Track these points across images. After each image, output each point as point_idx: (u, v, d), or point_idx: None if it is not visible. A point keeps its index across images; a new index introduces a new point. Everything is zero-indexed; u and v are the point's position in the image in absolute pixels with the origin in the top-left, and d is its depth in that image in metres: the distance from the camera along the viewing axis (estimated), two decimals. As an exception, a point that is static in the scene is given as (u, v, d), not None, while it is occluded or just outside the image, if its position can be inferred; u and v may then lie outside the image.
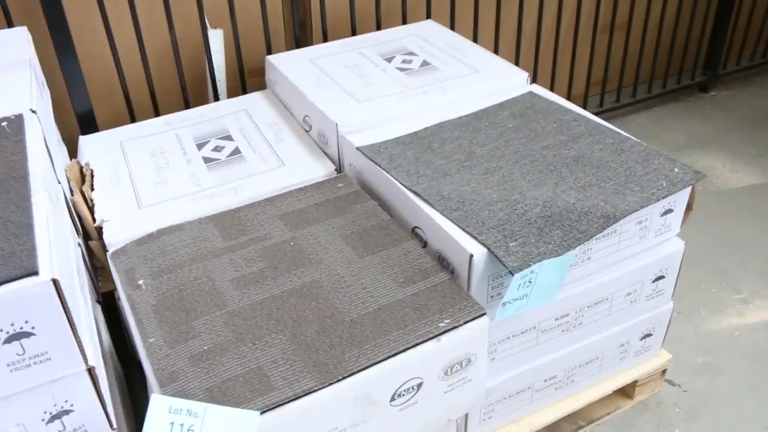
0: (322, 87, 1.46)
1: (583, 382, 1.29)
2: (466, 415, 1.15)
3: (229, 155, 1.37)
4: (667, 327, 1.35)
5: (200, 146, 1.41)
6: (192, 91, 1.67)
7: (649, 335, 1.33)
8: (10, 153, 0.97)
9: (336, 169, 1.32)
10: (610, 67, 2.24)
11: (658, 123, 2.38)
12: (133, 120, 1.60)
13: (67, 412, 0.85)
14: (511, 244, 1.01)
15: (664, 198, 1.10)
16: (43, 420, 0.84)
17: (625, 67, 2.26)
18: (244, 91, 1.69)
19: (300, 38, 1.75)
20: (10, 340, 0.76)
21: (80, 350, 0.80)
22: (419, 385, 0.94)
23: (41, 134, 1.02)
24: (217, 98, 1.64)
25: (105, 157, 1.39)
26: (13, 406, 0.81)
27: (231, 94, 1.68)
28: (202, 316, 0.95)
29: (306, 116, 1.44)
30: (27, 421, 0.83)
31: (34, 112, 1.07)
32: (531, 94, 1.41)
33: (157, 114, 1.61)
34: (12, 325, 0.75)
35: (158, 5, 1.56)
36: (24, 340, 0.77)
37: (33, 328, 0.76)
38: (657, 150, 1.21)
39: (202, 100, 1.69)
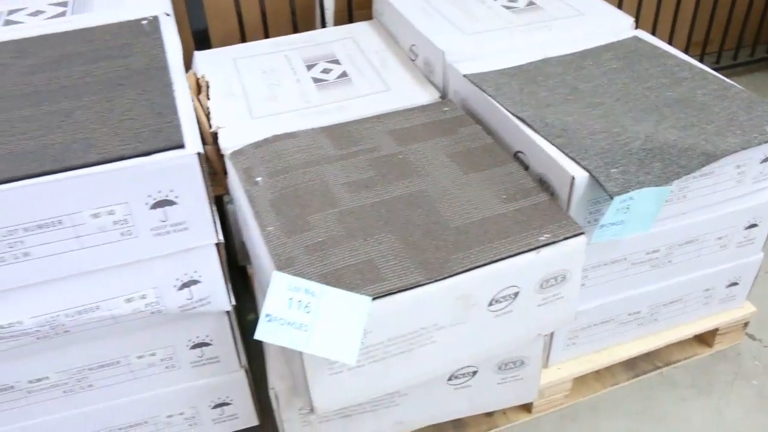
0: (429, 18, 1.49)
1: (665, 322, 1.32)
2: (552, 336, 1.20)
3: (337, 77, 1.43)
4: (755, 278, 1.36)
5: (309, 67, 1.47)
6: (300, 16, 1.73)
7: (735, 284, 1.34)
8: (150, 48, 1.04)
9: (440, 96, 1.36)
10: (713, 28, 2.21)
11: (759, 89, 2.34)
12: (243, 40, 1.67)
13: (195, 282, 0.92)
14: (612, 170, 1.04)
15: (765, 143, 1.11)
16: (174, 286, 0.91)
17: (728, 29, 2.23)
18: (350, 21, 1.73)
19: (407, -26, 1.78)
20: (156, 206, 0.84)
21: (213, 224, 0.88)
22: (516, 294, 0.98)
23: (176, 33, 1.09)
24: (323, 25, 1.69)
25: (219, 71, 1.46)
26: (151, 269, 0.89)
27: (337, 22, 1.73)
28: (317, 212, 1.01)
29: (413, 45, 1.48)
30: (161, 285, 0.91)
31: (168, 15, 1.14)
32: (636, 38, 1.42)
33: (266, 36, 1.68)
34: (159, 192, 0.83)
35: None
36: (168, 208, 0.84)
37: (176, 197, 0.84)
38: (762, 98, 1.21)
39: (309, 26, 1.75)
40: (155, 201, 0.84)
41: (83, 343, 0.97)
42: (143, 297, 0.92)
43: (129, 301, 0.92)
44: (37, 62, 1.03)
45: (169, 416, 1.08)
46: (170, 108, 0.89)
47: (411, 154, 1.14)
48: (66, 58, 1.04)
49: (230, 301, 0.97)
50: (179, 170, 0.83)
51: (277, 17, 1.72)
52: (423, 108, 1.27)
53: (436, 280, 0.92)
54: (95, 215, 0.84)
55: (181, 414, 1.09)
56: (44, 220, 0.83)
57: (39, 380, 1.00)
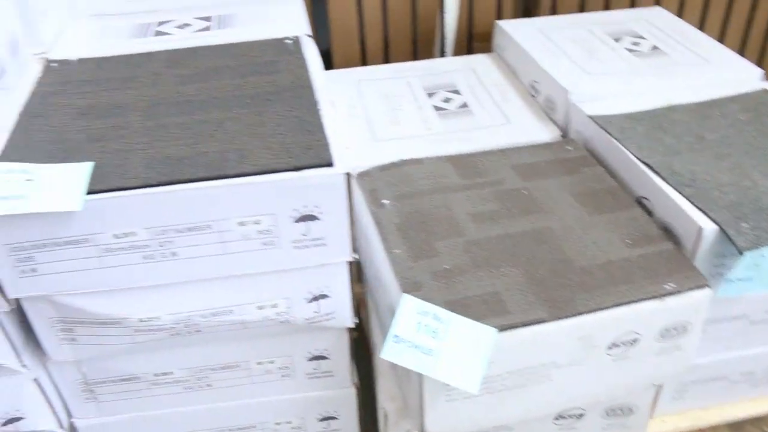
0: (552, 56, 1.50)
1: (776, 385, 1.29)
2: (661, 387, 1.18)
3: (458, 107, 1.45)
4: None
5: (430, 95, 1.50)
6: (420, 44, 1.77)
7: None
8: (295, 66, 1.09)
9: (561, 134, 1.36)
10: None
11: None
12: (363, 63, 1.71)
13: (324, 297, 0.95)
14: (742, 225, 1.02)
15: None
16: (305, 299, 0.94)
17: None
18: (469, 53, 1.76)
19: (528, 8, 1.80)
20: (300, 220, 0.87)
21: (350, 242, 0.90)
22: (635, 340, 0.98)
23: (317, 53, 1.14)
24: (442, 54, 1.72)
25: (342, 92, 1.51)
26: (286, 280, 0.92)
27: (456, 53, 1.76)
28: (443, 239, 1.03)
29: (534, 82, 1.49)
30: (293, 296, 0.94)
31: (310, 36, 1.19)
32: (765, 91, 1.40)
33: (386, 61, 1.72)
34: (305, 206, 0.86)
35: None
36: (311, 223, 0.88)
37: (320, 213, 0.87)
38: None
39: (428, 55, 1.78)
40: (300, 215, 0.87)
41: (209, 344, 1.00)
42: (274, 306, 0.95)
43: (260, 308, 0.95)
44: (188, 73, 1.09)
45: (278, 423, 1.11)
46: (318, 126, 0.93)
47: (535, 190, 1.15)
48: (215, 70, 1.09)
49: (353, 319, 0.99)
50: (327, 188, 0.86)
51: (398, 43, 1.76)
52: (546, 145, 1.28)
53: (560, 319, 0.92)
54: (242, 223, 0.87)
55: (289, 423, 1.11)
56: (194, 224, 0.87)
57: (164, 374, 1.04)
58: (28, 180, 0.85)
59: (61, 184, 0.85)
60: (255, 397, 1.08)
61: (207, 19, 1.27)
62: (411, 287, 0.97)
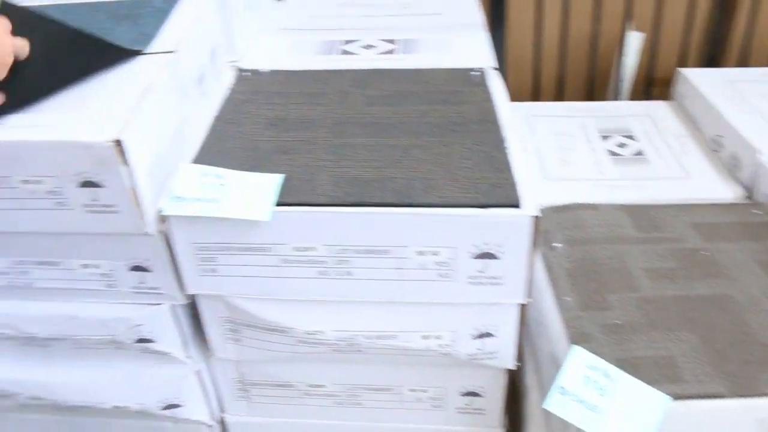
0: (740, 110, 1.42)
1: None
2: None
3: (633, 154, 1.40)
4: None
5: (604, 138, 1.45)
6: (596, 84, 1.72)
7: None
8: (481, 99, 1.08)
9: (746, 195, 1.29)
10: None
11: None
12: (535, 98, 1.68)
13: (490, 335, 0.94)
14: None
15: None
16: (470, 334, 0.93)
17: None
18: (646, 98, 1.70)
19: (713, 56, 1.72)
20: (479, 256, 0.86)
21: (526, 284, 0.88)
22: (817, 432, 0.90)
23: (502, 87, 1.12)
24: (618, 97, 1.67)
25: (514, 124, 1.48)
26: (456, 313, 0.92)
27: (632, 97, 1.70)
28: (615, 292, 0.99)
29: (717, 136, 1.42)
30: (459, 330, 0.93)
31: (496, 69, 1.17)
32: None
33: (558, 98, 1.68)
34: (486, 244, 0.85)
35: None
36: (489, 260, 0.86)
37: (501, 253, 0.85)
38: None
39: (602, 96, 1.74)
40: (480, 252, 0.85)
41: (366, 364, 1.01)
42: (439, 337, 0.94)
43: (425, 338, 0.94)
44: (374, 94, 1.10)
45: (421, 452, 1.10)
46: (506, 164, 0.91)
47: (717, 253, 1.08)
48: (402, 94, 1.09)
49: (514, 361, 0.97)
50: (511, 229, 0.84)
51: (573, 81, 1.73)
52: (729, 206, 1.21)
53: (741, 397, 0.86)
54: (420, 253, 0.87)
55: (432, 453, 1.10)
56: (373, 247, 0.87)
57: (317, 386, 1.06)
58: (221, 185, 0.88)
59: (253, 193, 0.88)
60: (402, 422, 1.08)
61: (391, 42, 1.29)
62: (579, 338, 0.93)
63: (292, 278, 0.92)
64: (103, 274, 0.95)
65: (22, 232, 0.91)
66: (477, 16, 1.42)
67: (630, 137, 1.48)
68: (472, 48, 1.28)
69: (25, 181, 0.85)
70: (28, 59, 0.88)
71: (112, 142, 0.80)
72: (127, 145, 0.81)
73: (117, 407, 1.07)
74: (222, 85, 1.15)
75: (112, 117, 0.84)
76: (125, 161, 0.81)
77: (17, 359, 1.08)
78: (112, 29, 1.04)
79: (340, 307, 0.94)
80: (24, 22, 0.89)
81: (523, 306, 0.93)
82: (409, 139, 0.98)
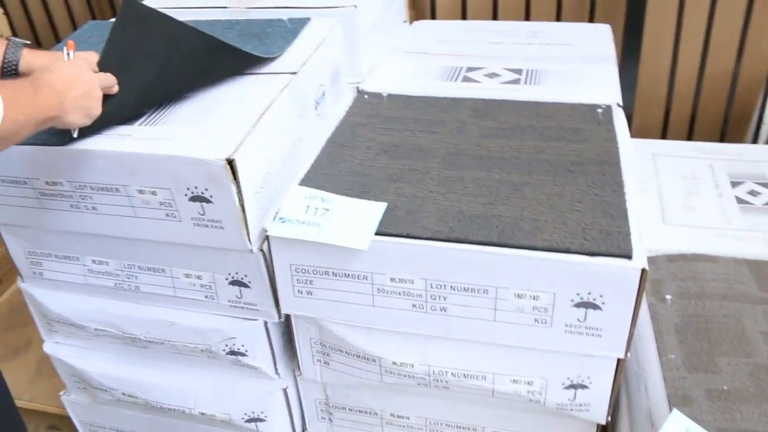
0: None
1: None
2: None
3: (765, 204, 1.30)
4: None
5: (734, 184, 1.36)
6: (732, 124, 1.63)
7: None
8: (602, 138, 1.03)
9: None
10: None
11: None
12: (663, 135, 1.61)
13: (583, 387, 0.90)
14: None
15: None
16: (562, 384, 0.90)
17: None
18: (785, 142, 1.59)
19: None
20: (580, 305, 0.82)
21: (628, 338, 0.84)
22: None
23: (626, 127, 1.07)
24: (756, 140, 1.57)
25: (636, 164, 1.41)
26: (549, 361, 0.89)
27: (770, 140, 1.60)
28: (726, 355, 0.93)
29: None
30: (550, 378, 0.90)
31: (620, 106, 1.12)
32: None
33: (689, 137, 1.60)
34: (589, 293, 0.82)
35: (732, 34, 1.53)
36: (590, 310, 0.83)
37: (603, 303, 0.82)
38: None
39: (738, 138, 1.64)
40: (581, 301, 0.82)
41: (452, 401, 0.99)
42: (529, 383, 0.91)
43: (514, 382, 0.91)
44: (491, 126, 1.07)
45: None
46: (621, 211, 0.87)
47: None
48: (519, 128, 1.06)
49: (607, 417, 0.92)
50: (618, 280, 0.80)
51: (706, 120, 1.64)
52: None
53: None
54: (519, 295, 0.84)
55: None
56: (471, 285, 0.85)
57: (399, 417, 1.04)
58: (325, 209, 0.88)
59: (355, 220, 0.87)
60: (485, 465, 1.05)
61: (517, 71, 1.26)
62: (680, 401, 0.88)
63: (385, 308, 0.90)
64: (203, 285, 0.97)
65: (133, 239, 0.94)
66: (609, 49, 1.36)
67: (764, 185, 1.38)
68: (600, 83, 1.23)
69: (141, 191, 0.88)
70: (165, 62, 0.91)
71: (225, 160, 0.81)
72: (239, 165, 0.82)
73: (203, 414, 1.09)
74: (340, 107, 1.16)
75: (227, 135, 0.85)
76: (235, 180, 0.82)
77: (117, 357, 1.12)
78: (240, 46, 1.07)
79: (432, 341, 0.92)
80: (162, 28, 0.93)
81: (621, 360, 0.88)
82: (521, 176, 0.95)
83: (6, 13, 1.76)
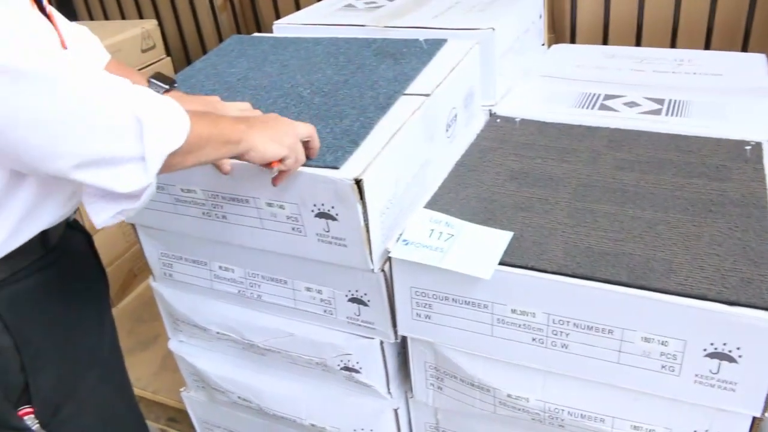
0: None
1: None
2: None
3: None
4: None
5: None
6: None
7: None
8: (749, 178, 0.97)
9: None
10: None
11: None
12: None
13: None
14: None
15: None
16: (691, 438, 0.84)
17: None
18: None
19: None
20: (713, 356, 0.78)
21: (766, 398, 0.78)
22: None
23: (776, 166, 1.00)
24: None
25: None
26: (675, 410, 0.85)
27: None
28: None
29: None
30: (676, 428, 0.84)
31: (771, 143, 1.06)
32: None
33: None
34: (725, 344, 0.77)
35: None
36: (725, 362, 0.78)
37: (740, 356, 0.76)
38: None
39: None
40: (714, 351, 0.77)
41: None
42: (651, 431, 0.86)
43: (635, 428, 0.87)
44: (627, 158, 1.03)
45: None
46: (766, 258, 0.81)
47: None
48: (657, 162, 1.02)
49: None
50: (758, 333, 0.75)
51: None
52: None
53: None
54: (646, 339, 0.80)
55: None
56: (596, 324, 0.82)
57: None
58: (450, 234, 0.87)
59: (479, 248, 0.86)
60: None
61: (659, 101, 1.21)
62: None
63: (504, 339, 0.88)
64: (323, 300, 0.98)
65: (259, 249, 0.96)
66: (763, 81, 1.28)
67: None
68: (749, 117, 1.15)
69: (269, 204, 0.90)
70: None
71: (353, 180, 0.81)
72: (366, 185, 0.82)
73: (313, 425, 1.10)
74: (472, 130, 1.15)
75: (358, 156, 0.86)
76: (362, 200, 0.83)
77: (236, 361, 1.15)
78: (375, 67, 1.08)
79: (550, 377, 0.89)
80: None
81: (758, 419, 0.82)
82: (656, 213, 0.91)
83: (159, 24, 1.85)
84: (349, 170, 0.83)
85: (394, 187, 0.90)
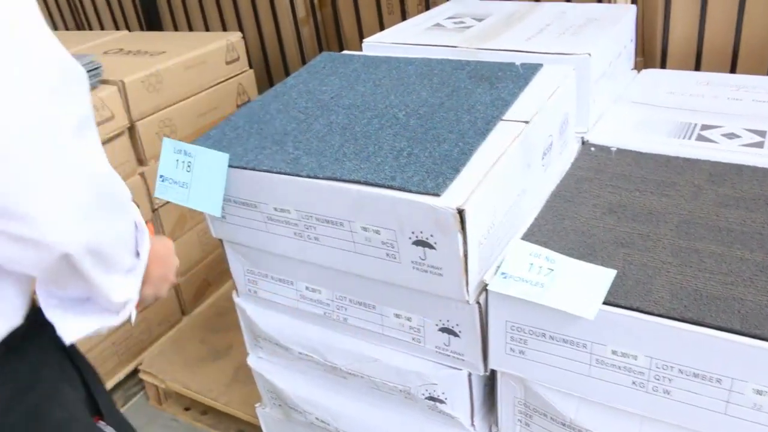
0: None
1: None
2: None
3: None
4: None
5: None
6: None
7: None
8: None
9: None
10: None
11: None
12: None
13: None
14: None
15: None
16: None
17: None
18: None
19: None
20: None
21: None
22: None
23: None
24: None
25: None
26: None
27: None
28: None
29: None
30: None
31: None
32: None
33: None
34: None
35: None
36: None
37: None
38: None
39: None
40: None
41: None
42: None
43: (738, 483, 0.82)
44: (730, 194, 0.99)
45: None
46: None
47: None
48: (763, 200, 0.97)
49: None
50: None
51: None
52: None
53: None
54: (759, 392, 0.76)
55: None
56: (703, 372, 0.78)
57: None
58: (549, 269, 0.85)
59: (581, 285, 0.83)
60: None
61: (760, 134, 1.16)
62: None
63: (602, 381, 0.85)
64: (412, 328, 0.96)
65: (349, 272, 0.95)
66: None
67: None
68: None
69: (365, 228, 0.88)
70: None
71: (456, 209, 0.79)
72: (468, 215, 0.80)
73: (393, 453, 1.08)
74: (566, 158, 1.12)
75: (458, 183, 0.84)
76: (463, 230, 0.81)
77: (316, 382, 1.14)
78: (470, 90, 1.06)
79: (648, 423, 0.86)
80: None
81: None
82: (766, 256, 0.87)
83: (243, 37, 1.86)
84: (450, 198, 0.81)
85: (492, 216, 0.88)
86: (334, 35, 2.06)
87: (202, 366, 1.60)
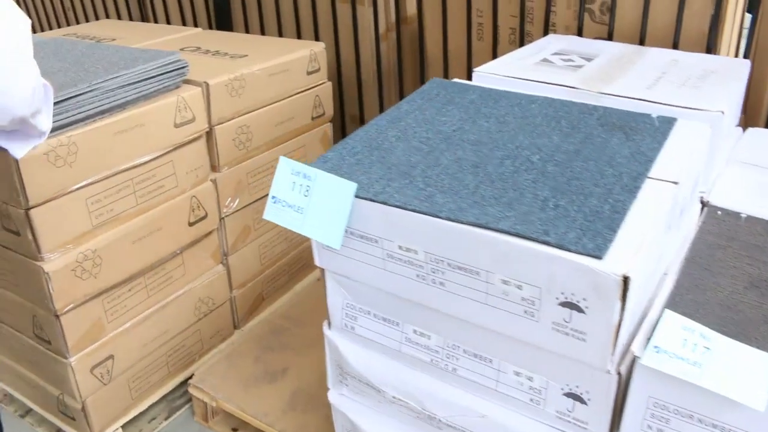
0: None
1: None
2: None
3: None
4: None
5: None
6: None
7: None
8: None
9: None
10: None
11: None
12: None
13: None
14: None
15: None
16: None
17: None
18: None
19: None
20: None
21: None
22: None
23: None
24: None
25: None
26: None
27: None
28: None
29: None
30: None
31: None
32: None
33: None
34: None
35: None
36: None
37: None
38: None
39: None
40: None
41: None
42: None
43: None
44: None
45: None
46: None
47: None
48: None
49: None
50: None
51: None
52: None
53: None
54: (504, 281, 0.74)
55: None
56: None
57: None
58: (705, 347, 0.78)
59: (741, 369, 0.76)
60: None
61: None
62: None
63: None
64: (532, 388, 0.90)
65: (470, 323, 0.89)
66: None
67: None
68: None
69: (505, 282, 0.82)
70: None
71: (621, 276, 0.73)
72: (632, 282, 0.74)
73: None
74: (690, 220, 1.06)
75: (617, 245, 0.78)
76: (623, 297, 0.74)
77: (405, 428, 1.07)
78: (605, 139, 1.00)
79: None
80: None
81: None
82: None
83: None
84: (614, 263, 0.75)
85: (645, 283, 0.82)
86: (409, 50, 2.01)
87: (256, 387, 1.54)
